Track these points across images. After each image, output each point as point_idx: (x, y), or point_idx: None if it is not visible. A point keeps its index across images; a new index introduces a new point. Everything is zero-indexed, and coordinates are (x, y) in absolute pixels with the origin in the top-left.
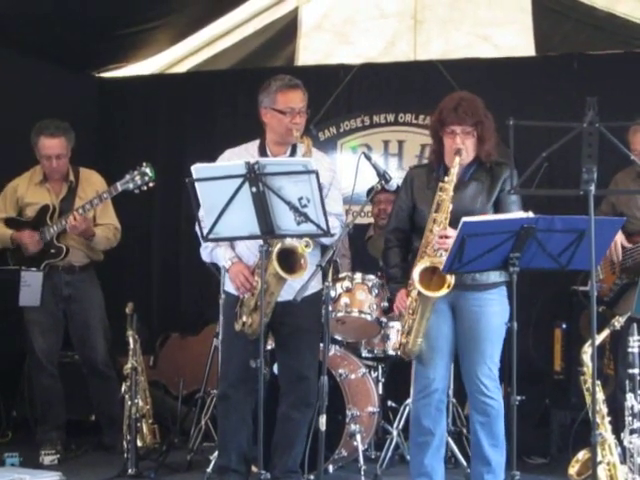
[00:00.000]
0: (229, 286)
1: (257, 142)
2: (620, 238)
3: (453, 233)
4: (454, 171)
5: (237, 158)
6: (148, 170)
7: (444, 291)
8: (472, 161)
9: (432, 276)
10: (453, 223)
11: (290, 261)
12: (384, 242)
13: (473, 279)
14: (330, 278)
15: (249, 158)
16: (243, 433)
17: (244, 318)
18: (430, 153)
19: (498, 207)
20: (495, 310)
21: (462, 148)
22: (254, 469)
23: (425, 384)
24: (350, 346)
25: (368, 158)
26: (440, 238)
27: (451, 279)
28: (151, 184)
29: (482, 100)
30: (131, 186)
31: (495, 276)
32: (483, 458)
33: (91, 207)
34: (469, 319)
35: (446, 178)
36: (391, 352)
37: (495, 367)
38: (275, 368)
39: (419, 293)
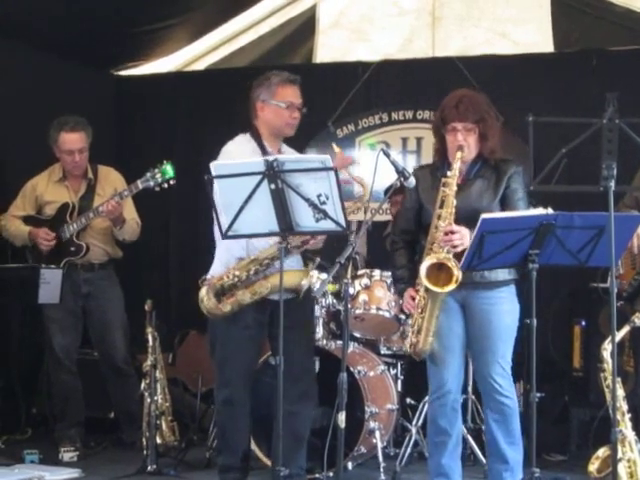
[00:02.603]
0: (216, 265)
1: (248, 136)
2: None
3: (459, 229)
4: (456, 166)
5: (243, 150)
6: (168, 168)
7: (452, 286)
8: (476, 158)
9: (439, 273)
10: (459, 221)
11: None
12: (390, 244)
13: (482, 277)
14: (349, 275)
15: (255, 150)
16: (246, 432)
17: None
18: (434, 152)
19: (505, 204)
20: (506, 309)
21: (464, 144)
22: (267, 462)
23: (439, 385)
24: (369, 343)
25: (387, 155)
26: (445, 235)
27: (458, 274)
28: (171, 182)
29: (499, 95)
30: (152, 184)
31: (504, 274)
32: (501, 456)
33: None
34: (480, 318)
35: (449, 173)
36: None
37: (508, 365)
38: (271, 360)
39: (427, 290)
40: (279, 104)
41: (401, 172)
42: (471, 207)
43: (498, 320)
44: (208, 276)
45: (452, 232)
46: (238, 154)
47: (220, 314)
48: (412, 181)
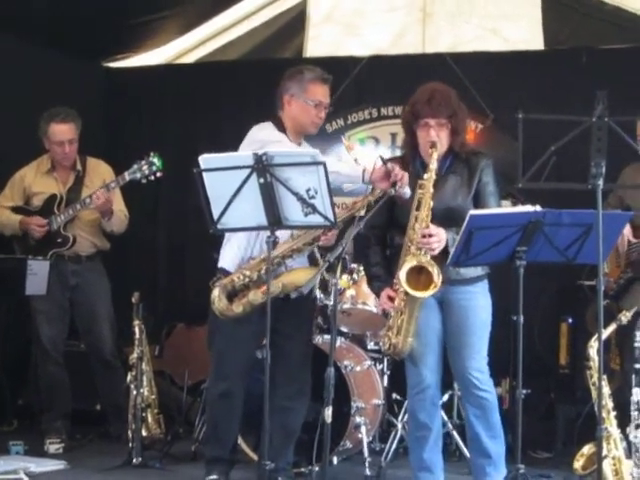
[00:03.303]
0: (225, 261)
1: (271, 125)
2: (628, 231)
3: (436, 231)
4: (433, 167)
5: (277, 136)
6: (155, 160)
7: (431, 291)
8: (446, 153)
9: (419, 275)
10: (434, 219)
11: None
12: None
13: (457, 273)
14: (338, 274)
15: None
16: (237, 425)
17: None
18: (403, 146)
19: (476, 199)
20: (482, 304)
21: (437, 141)
22: (253, 456)
23: (418, 380)
24: (356, 338)
25: (384, 162)
26: (423, 237)
27: (438, 280)
28: (158, 174)
29: (489, 92)
30: (138, 176)
31: (478, 269)
32: (483, 451)
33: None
34: (458, 314)
35: (425, 175)
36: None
37: (485, 360)
38: (258, 354)
39: (406, 293)
40: (308, 102)
41: (396, 182)
42: (446, 205)
43: (475, 316)
44: (219, 266)
45: (430, 235)
46: (275, 137)
47: (232, 315)
48: (407, 191)
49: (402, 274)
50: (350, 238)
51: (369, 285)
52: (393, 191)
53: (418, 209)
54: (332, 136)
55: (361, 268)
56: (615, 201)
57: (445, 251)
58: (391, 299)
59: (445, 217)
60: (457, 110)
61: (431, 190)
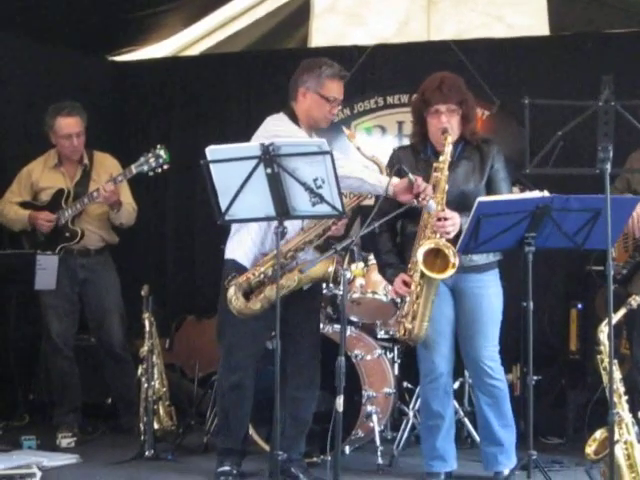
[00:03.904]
0: (237, 254)
1: (285, 117)
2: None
3: (451, 215)
4: (448, 150)
5: (291, 127)
6: (162, 152)
7: (450, 272)
8: (458, 140)
9: (434, 258)
10: (447, 204)
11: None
12: (377, 227)
13: (471, 260)
14: (346, 264)
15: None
16: (248, 416)
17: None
18: (412, 134)
19: (488, 185)
20: (494, 291)
21: (448, 127)
22: (265, 446)
23: (431, 368)
24: (366, 327)
25: (405, 173)
26: (438, 220)
27: (455, 260)
28: (165, 166)
29: (495, 79)
30: (145, 168)
31: (490, 256)
32: (495, 439)
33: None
34: (470, 301)
35: (440, 158)
36: None
37: (497, 349)
38: (269, 345)
39: (423, 276)
40: (324, 97)
41: (419, 194)
42: (459, 190)
43: (488, 303)
44: (229, 257)
45: (445, 218)
46: (292, 132)
47: (250, 313)
48: (432, 205)
49: (419, 256)
50: (361, 234)
51: (380, 272)
52: (416, 202)
53: (433, 193)
54: (338, 126)
55: (370, 257)
56: (622, 185)
57: (458, 236)
58: (406, 284)
59: (458, 202)
60: (467, 97)
61: (446, 173)
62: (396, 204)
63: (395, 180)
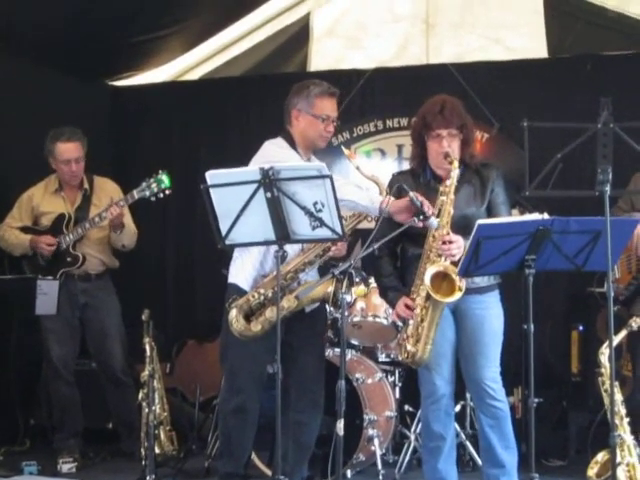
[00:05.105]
0: (239, 278)
1: (282, 141)
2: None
3: (456, 238)
4: (454, 174)
5: (287, 153)
6: (164, 178)
7: (457, 295)
8: (458, 164)
9: (441, 281)
10: (450, 228)
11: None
12: (376, 250)
13: (472, 282)
14: (344, 288)
15: (294, 155)
16: (251, 440)
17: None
18: (412, 157)
19: (488, 209)
20: (496, 313)
21: (449, 151)
22: (266, 471)
23: (432, 390)
24: (366, 350)
25: (405, 191)
26: (443, 244)
27: (462, 283)
28: (167, 192)
29: (494, 101)
30: (147, 194)
31: (491, 278)
32: (497, 461)
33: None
34: (472, 323)
35: (447, 182)
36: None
37: (498, 370)
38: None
39: (428, 299)
40: (316, 116)
41: (421, 212)
42: (461, 213)
43: (489, 324)
44: (231, 282)
45: (450, 242)
46: (288, 157)
47: (251, 335)
48: (434, 222)
49: (427, 279)
50: (360, 257)
51: (382, 296)
52: (416, 220)
53: (438, 216)
54: (338, 149)
55: (371, 280)
56: (627, 205)
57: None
58: (408, 307)
59: (460, 225)
60: (467, 121)
61: (452, 197)
62: (396, 226)
63: (391, 200)
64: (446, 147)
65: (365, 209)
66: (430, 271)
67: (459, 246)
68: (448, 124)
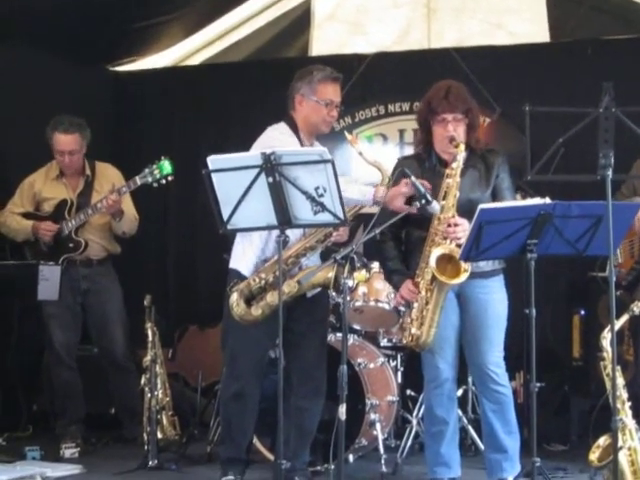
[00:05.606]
0: (240, 264)
1: (285, 126)
2: None
3: (462, 221)
4: (460, 157)
5: (286, 139)
6: (167, 164)
7: (463, 277)
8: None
9: (446, 264)
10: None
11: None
12: (378, 235)
13: (477, 266)
14: (346, 273)
15: (294, 142)
16: (252, 425)
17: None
18: (417, 143)
19: (493, 194)
20: (499, 297)
21: (455, 135)
22: (268, 455)
23: (436, 374)
24: (368, 335)
25: (407, 176)
26: (449, 226)
27: (467, 265)
28: (170, 178)
29: (496, 86)
30: (150, 180)
31: (495, 263)
32: (499, 446)
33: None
34: (476, 307)
35: (453, 164)
36: None
37: (502, 355)
38: (271, 354)
39: (433, 281)
40: (319, 101)
41: (423, 196)
42: (466, 198)
43: (493, 309)
44: (232, 267)
45: (455, 224)
46: (285, 142)
47: (252, 319)
48: (436, 206)
49: (432, 261)
50: (361, 242)
51: (387, 279)
52: (418, 204)
53: (444, 199)
54: (340, 134)
55: (373, 265)
56: (629, 191)
57: None
58: (413, 291)
59: (465, 209)
60: (472, 106)
61: (458, 180)
62: (395, 212)
63: (381, 190)
64: (451, 131)
65: (358, 202)
66: (435, 253)
67: (464, 229)
68: (453, 109)
